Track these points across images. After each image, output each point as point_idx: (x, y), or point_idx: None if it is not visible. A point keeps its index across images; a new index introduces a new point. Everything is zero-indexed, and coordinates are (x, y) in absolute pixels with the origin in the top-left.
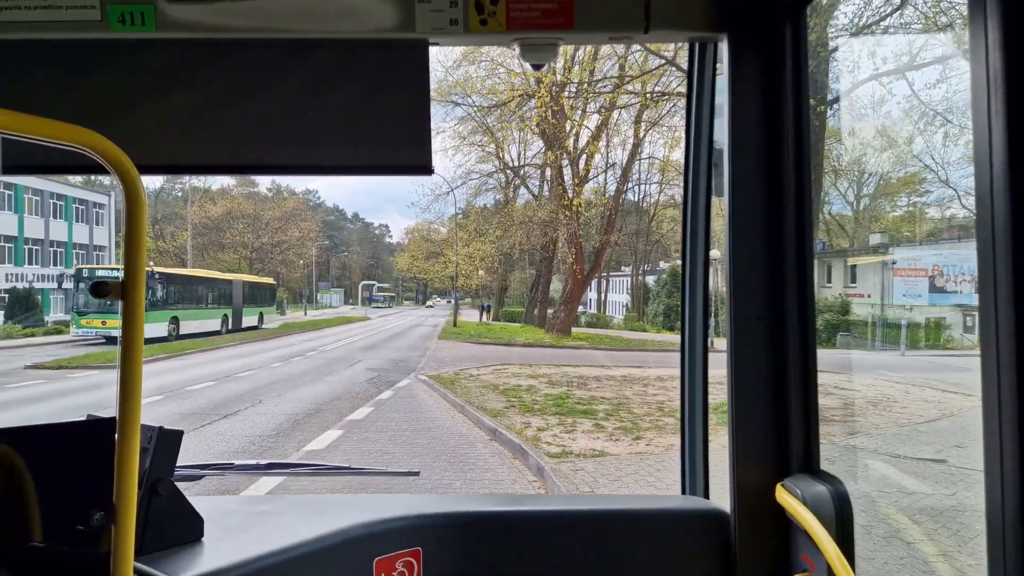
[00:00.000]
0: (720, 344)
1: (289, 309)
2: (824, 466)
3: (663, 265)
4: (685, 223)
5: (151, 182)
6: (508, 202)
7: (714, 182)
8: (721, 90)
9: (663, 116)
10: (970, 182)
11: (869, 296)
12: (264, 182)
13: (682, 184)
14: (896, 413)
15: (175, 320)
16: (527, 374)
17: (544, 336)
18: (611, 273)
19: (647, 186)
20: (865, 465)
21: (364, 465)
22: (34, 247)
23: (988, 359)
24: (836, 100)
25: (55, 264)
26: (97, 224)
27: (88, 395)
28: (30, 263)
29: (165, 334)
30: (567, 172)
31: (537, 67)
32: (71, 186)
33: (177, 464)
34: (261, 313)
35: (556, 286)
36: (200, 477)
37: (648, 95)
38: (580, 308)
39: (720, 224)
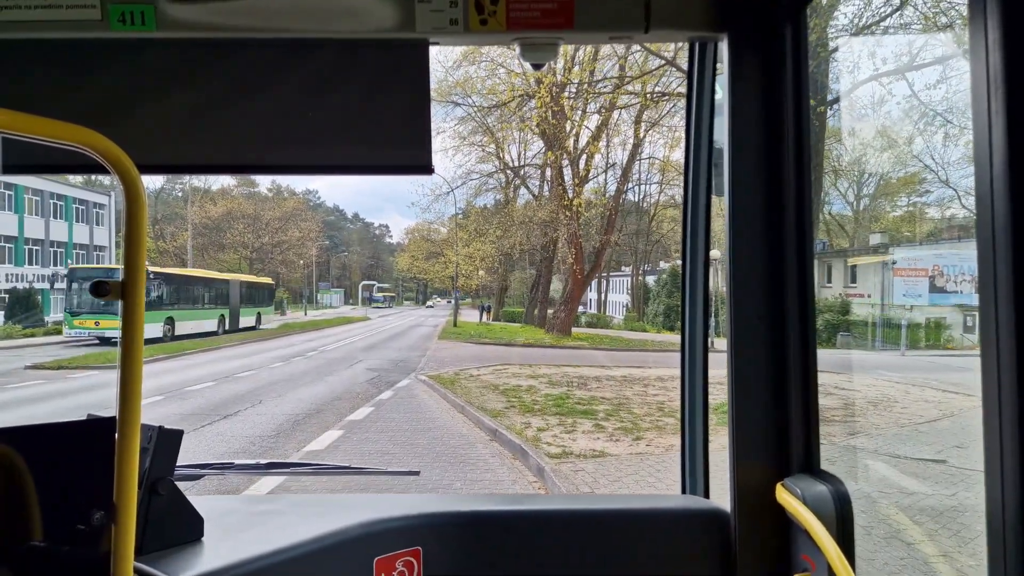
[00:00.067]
0: (720, 344)
1: (289, 309)
2: (824, 466)
3: (663, 265)
4: (685, 223)
5: (151, 182)
6: (508, 202)
7: (714, 182)
8: (721, 90)
9: (663, 116)
10: (970, 182)
11: (869, 296)
12: (264, 182)
13: (682, 184)
14: (896, 413)
15: (170, 320)
16: (527, 374)
17: (544, 336)
18: (611, 273)
19: (647, 186)
20: (865, 465)
21: (364, 465)
22: (34, 247)
23: (988, 359)
24: (836, 100)
25: (55, 264)
26: (97, 224)
27: (89, 395)
28: (30, 263)
29: (160, 335)
30: (567, 172)
31: (537, 67)
32: (71, 186)
33: (177, 464)
34: (259, 313)
35: (556, 286)
36: (200, 477)
37: (648, 95)
38: (580, 308)
39: (720, 224)
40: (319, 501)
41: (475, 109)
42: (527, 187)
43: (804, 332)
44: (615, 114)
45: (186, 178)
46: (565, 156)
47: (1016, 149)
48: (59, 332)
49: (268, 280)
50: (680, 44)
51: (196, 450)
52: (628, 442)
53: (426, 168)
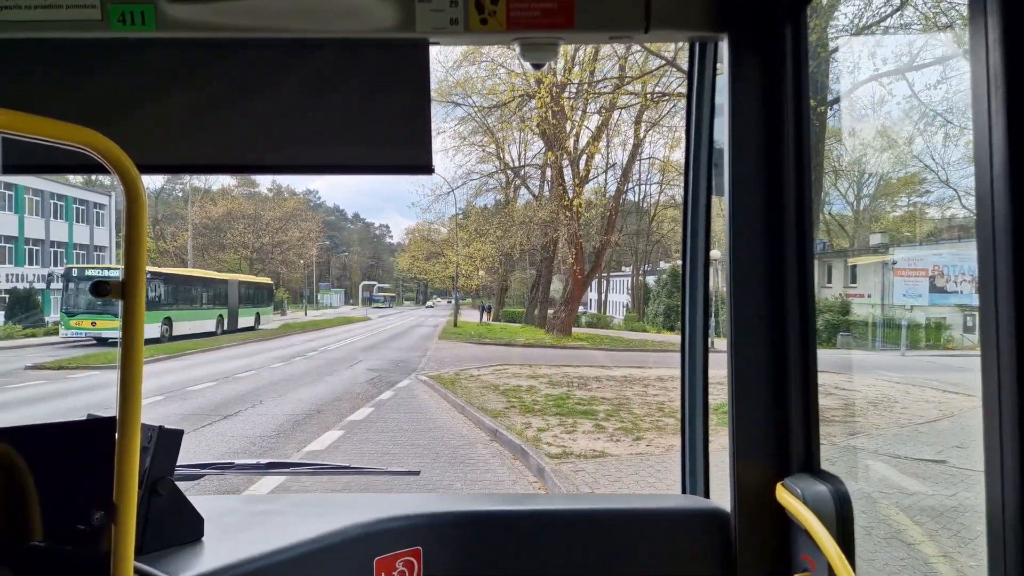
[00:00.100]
0: (720, 344)
1: (290, 309)
2: (824, 466)
3: (663, 265)
4: (685, 223)
5: (151, 182)
6: (508, 202)
7: (714, 182)
8: (721, 90)
9: (663, 116)
10: (970, 182)
11: (869, 296)
12: (264, 182)
13: (682, 184)
14: (896, 413)
15: (168, 321)
16: (527, 374)
17: (544, 336)
18: (611, 273)
19: (647, 186)
20: (865, 465)
21: (365, 465)
22: (34, 247)
23: (988, 359)
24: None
25: (56, 264)
26: (98, 224)
27: (89, 395)
28: (30, 263)
29: (158, 335)
30: (567, 172)
31: (537, 67)
32: (71, 186)
33: (177, 464)
34: (258, 313)
35: (556, 286)
36: (200, 477)
37: (648, 95)
38: (580, 308)
39: (720, 224)
40: (319, 501)
41: (475, 109)
42: (527, 187)
43: (804, 332)
44: (615, 114)
45: (186, 178)
46: (565, 156)
47: (1016, 149)
48: (58, 332)
49: (267, 280)
50: (680, 44)
51: (196, 450)
52: (628, 442)
53: (426, 168)
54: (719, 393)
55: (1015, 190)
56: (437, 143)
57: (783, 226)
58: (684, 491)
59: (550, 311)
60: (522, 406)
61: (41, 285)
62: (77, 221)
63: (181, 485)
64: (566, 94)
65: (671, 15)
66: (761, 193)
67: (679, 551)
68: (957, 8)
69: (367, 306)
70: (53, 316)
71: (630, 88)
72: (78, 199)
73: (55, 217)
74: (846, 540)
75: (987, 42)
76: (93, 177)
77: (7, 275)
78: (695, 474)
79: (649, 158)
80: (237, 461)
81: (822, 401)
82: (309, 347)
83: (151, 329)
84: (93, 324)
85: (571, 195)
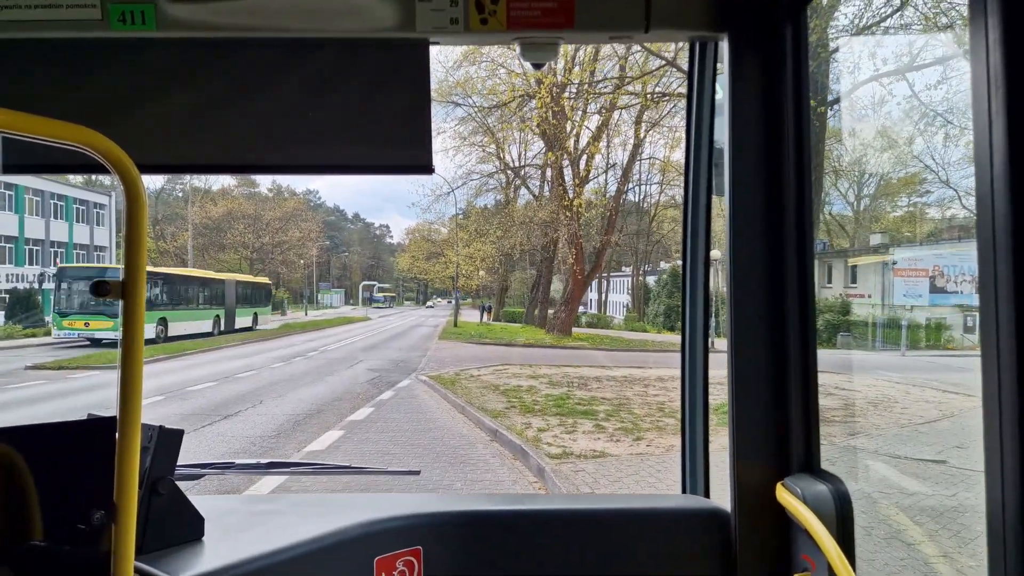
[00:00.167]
0: (721, 344)
1: (290, 309)
2: (824, 466)
3: (664, 265)
4: (686, 223)
5: (152, 182)
6: (509, 202)
7: (714, 182)
8: (721, 90)
9: (663, 117)
10: (970, 182)
11: (869, 296)
12: (265, 182)
13: (682, 184)
14: (896, 414)
15: (163, 321)
16: (528, 374)
17: (545, 336)
18: (612, 273)
19: (648, 186)
20: (866, 466)
21: (365, 465)
22: (35, 247)
23: (988, 359)
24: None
25: (56, 265)
26: (98, 224)
27: (89, 395)
28: (31, 263)
29: (153, 336)
30: (568, 173)
31: (537, 66)
32: (72, 186)
33: (178, 464)
34: (255, 314)
35: (557, 286)
36: (201, 476)
37: (648, 96)
38: (581, 308)
39: (720, 224)
40: (319, 501)
41: (475, 109)
42: (527, 187)
43: (804, 332)
44: (615, 114)
45: (186, 178)
46: (565, 156)
47: (1016, 149)
48: (50, 333)
49: (265, 280)
50: (680, 44)
51: (197, 450)
52: (628, 442)
53: (426, 168)
54: (719, 393)
55: (1015, 190)
56: (437, 143)
57: (783, 226)
58: (684, 491)
59: (550, 311)
60: (522, 406)
61: (34, 284)
62: (77, 221)
63: (181, 485)
64: (566, 94)
65: (671, 15)
66: (761, 193)
67: (679, 551)
68: (957, 8)
69: (367, 306)
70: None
71: (630, 88)
72: (78, 199)
73: (55, 217)
74: (846, 540)
75: (987, 42)
76: (93, 177)
77: (7, 275)
78: (695, 474)
79: (649, 158)
80: (237, 461)
81: (822, 401)
82: (309, 347)
83: (147, 330)
84: (87, 325)
85: (571, 195)
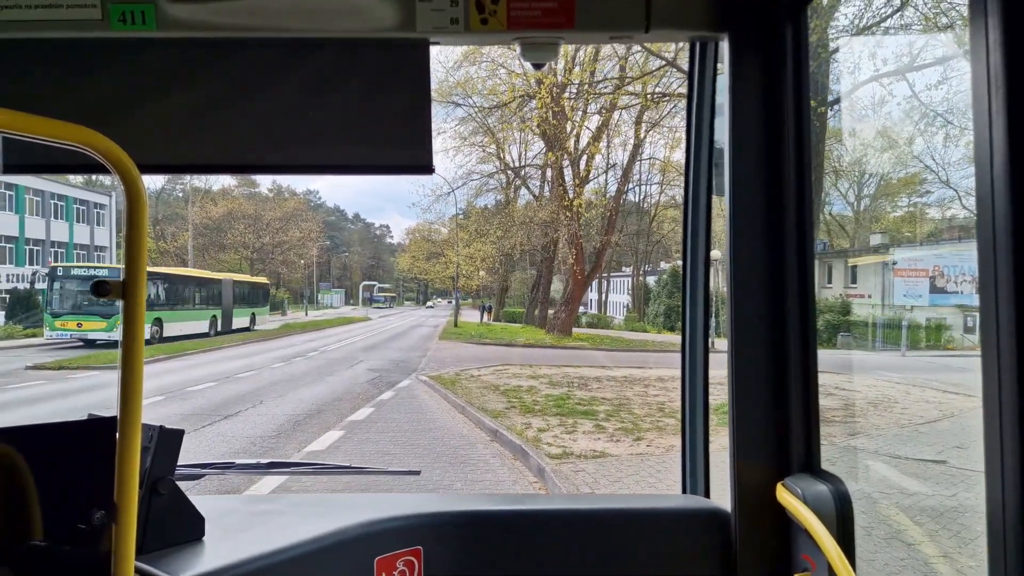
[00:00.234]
0: (721, 344)
1: (290, 309)
2: (824, 467)
3: (664, 265)
4: (686, 223)
5: (152, 182)
6: (509, 203)
7: (715, 182)
8: (722, 90)
9: (664, 117)
10: (970, 182)
11: (870, 296)
12: (265, 182)
13: (683, 184)
14: (897, 414)
15: (158, 322)
16: (528, 375)
17: (545, 337)
18: (612, 274)
19: (648, 187)
20: (866, 466)
21: (365, 465)
22: (35, 248)
23: (989, 359)
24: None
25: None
26: (98, 224)
27: (89, 395)
28: (31, 264)
29: (148, 336)
30: (568, 173)
31: (538, 67)
32: (72, 186)
33: (178, 464)
34: (253, 314)
35: (557, 286)
36: (201, 476)
37: (649, 96)
38: (581, 309)
39: (721, 224)
40: (320, 501)
41: (476, 110)
42: (528, 188)
43: (804, 332)
44: (616, 115)
45: (187, 178)
46: (566, 157)
47: (1016, 149)
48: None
49: (263, 279)
50: (681, 44)
51: (197, 450)
52: (628, 442)
53: (427, 168)
54: (719, 393)
55: (1015, 190)
56: (437, 143)
57: (783, 226)
58: (684, 491)
59: (550, 311)
60: (522, 406)
61: (40, 286)
62: (78, 221)
63: (182, 485)
64: (566, 94)
65: (671, 15)
66: (761, 193)
67: (679, 551)
68: (957, 8)
69: (367, 306)
70: None
71: (630, 88)
72: (78, 199)
73: (55, 217)
74: (846, 540)
75: (987, 43)
76: (93, 177)
77: (7, 275)
78: (695, 474)
79: (649, 158)
80: (238, 461)
81: (822, 401)
82: (309, 347)
83: None
84: (79, 325)
85: (571, 195)
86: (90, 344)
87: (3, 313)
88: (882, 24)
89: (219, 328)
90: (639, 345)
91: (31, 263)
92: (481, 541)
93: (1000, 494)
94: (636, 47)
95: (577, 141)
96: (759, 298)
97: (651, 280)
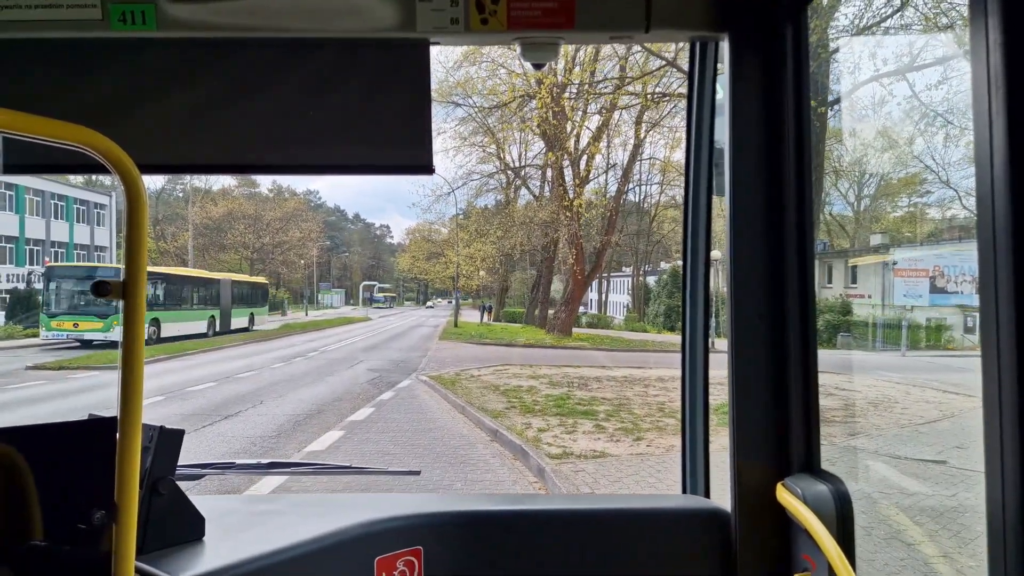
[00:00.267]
0: (721, 344)
1: (290, 310)
2: (824, 467)
3: (664, 266)
4: (686, 223)
5: (152, 182)
6: (509, 203)
7: (715, 182)
8: (722, 90)
9: (664, 117)
10: (971, 183)
11: (870, 296)
12: (265, 182)
13: (683, 184)
14: (897, 414)
15: (156, 322)
16: (528, 375)
17: (545, 337)
18: (612, 274)
19: (648, 187)
20: (866, 466)
21: (365, 465)
22: (35, 248)
23: (989, 360)
24: (837, 101)
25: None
26: (98, 224)
27: (90, 395)
28: (31, 264)
29: (144, 337)
30: (568, 173)
31: (538, 67)
32: (72, 186)
33: (178, 464)
34: (252, 314)
35: (557, 287)
36: (201, 476)
37: (649, 96)
38: (581, 309)
39: (721, 224)
40: (320, 501)
41: (476, 110)
42: (528, 188)
43: (805, 332)
44: (616, 115)
45: (187, 178)
46: (566, 157)
47: (1017, 150)
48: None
49: (262, 279)
50: (681, 45)
51: (197, 450)
52: (628, 443)
53: (427, 168)
54: (719, 393)
55: (1015, 190)
56: (438, 143)
57: (784, 226)
58: (684, 491)
59: (550, 311)
60: (522, 406)
61: (40, 286)
62: (78, 221)
63: (182, 485)
64: (567, 94)
65: (672, 15)
66: (762, 193)
67: (679, 551)
68: (957, 9)
69: (367, 306)
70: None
71: (631, 88)
72: (79, 199)
73: (56, 217)
74: (846, 540)
75: (987, 43)
76: (93, 177)
77: (7, 275)
78: (695, 474)
79: (650, 158)
80: (238, 461)
81: (822, 401)
82: (310, 347)
83: None
84: (75, 326)
85: (571, 195)
86: (87, 345)
87: (3, 313)
88: (882, 24)
89: (217, 328)
90: (639, 345)
91: (31, 263)
92: (481, 541)
93: (1000, 494)
94: (636, 47)
95: (577, 141)
96: (759, 298)
97: (651, 280)
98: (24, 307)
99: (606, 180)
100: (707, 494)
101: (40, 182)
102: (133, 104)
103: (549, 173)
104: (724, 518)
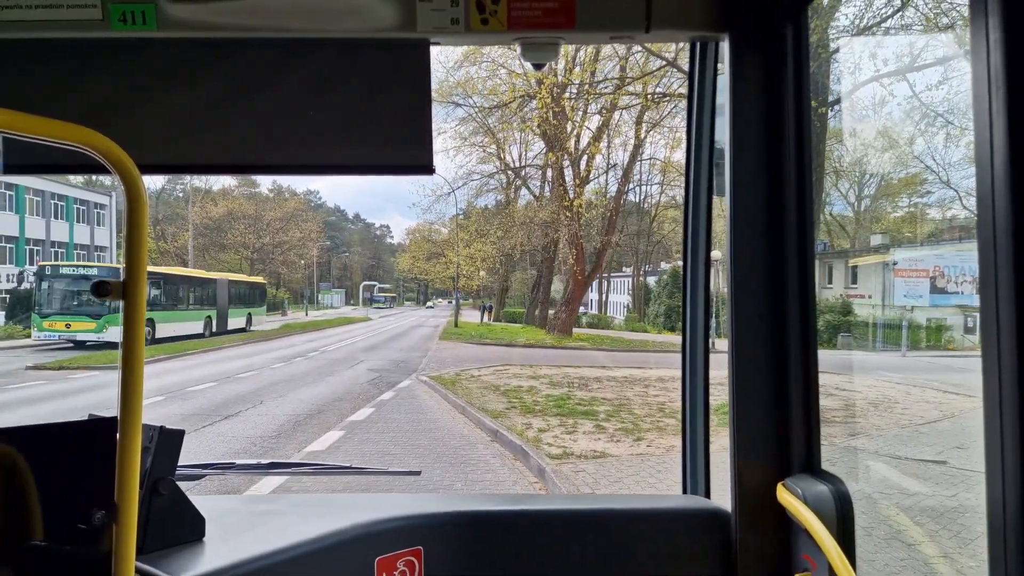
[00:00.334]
0: (721, 344)
1: (290, 310)
2: (825, 467)
3: (664, 266)
4: (686, 223)
5: (152, 182)
6: (509, 203)
7: (715, 182)
8: (722, 90)
9: (664, 117)
10: (971, 183)
11: (870, 297)
12: (265, 182)
13: (683, 185)
14: (897, 414)
15: (150, 323)
16: (528, 375)
17: (545, 337)
18: (612, 274)
19: (648, 187)
20: (866, 466)
21: (365, 465)
22: (35, 248)
23: (989, 360)
24: (837, 101)
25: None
26: (98, 224)
27: (90, 396)
28: (31, 264)
29: None
30: (568, 173)
31: (538, 67)
32: (72, 186)
33: (178, 464)
34: (249, 314)
35: (557, 287)
36: (201, 477)
37: (649, 96)
38: (581, 309)
39: (721, 224)
40: (320, 501)
41: (476, 110)
42: (528, 188)
43: (805, 332)
44: (616, 115)
45: (187, 178)
46: (566, 157)
47: (1017, 150)
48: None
49: (260, 279)
50: (681, 45)
51: (197, 450)
52: (629, 443)
53: (427, 168)
54: (720, 393)
55: (1016, 191)
56: (438, 144)
57: (784, 226)
58: (685, 491)
59: (551, 312)
60: (523, 407)
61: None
62: (78, 221)
63: (182, 485)
64: (567, 95)
65: (672, 15)
66: (762, 193)
67: (679, 551)
68: (958, 9)
69: (368, 306)
70: None
71: (631, 89)
72: (79, 199)
73: (56, 217)
74: (847, 540)
75: (988, 43)
76: (93, 177)
77: (7, 275)
78: (696, 474)
79: (650, 159)
80: (238, 461)
81: (823, 402)
82: (310, 347)
83: None
84: (68, 326)
85: (572, 196)
86: (79, 346)
87: (2, 313)
88: (882, 24)
89: (214, 329)
90: (639, 345)
91: (31, 263)
92: (481, 541)
93: (1000, 494)
94: (636, 47)
95: (577, 141)
96: (759, 298)
97: (651, 280)
98: (24, 307)
99: (606, 180)
100: (707, 494)
101: (40, 182)
102: (133, 104)
103: (549, 173)
104: (724, 518)
